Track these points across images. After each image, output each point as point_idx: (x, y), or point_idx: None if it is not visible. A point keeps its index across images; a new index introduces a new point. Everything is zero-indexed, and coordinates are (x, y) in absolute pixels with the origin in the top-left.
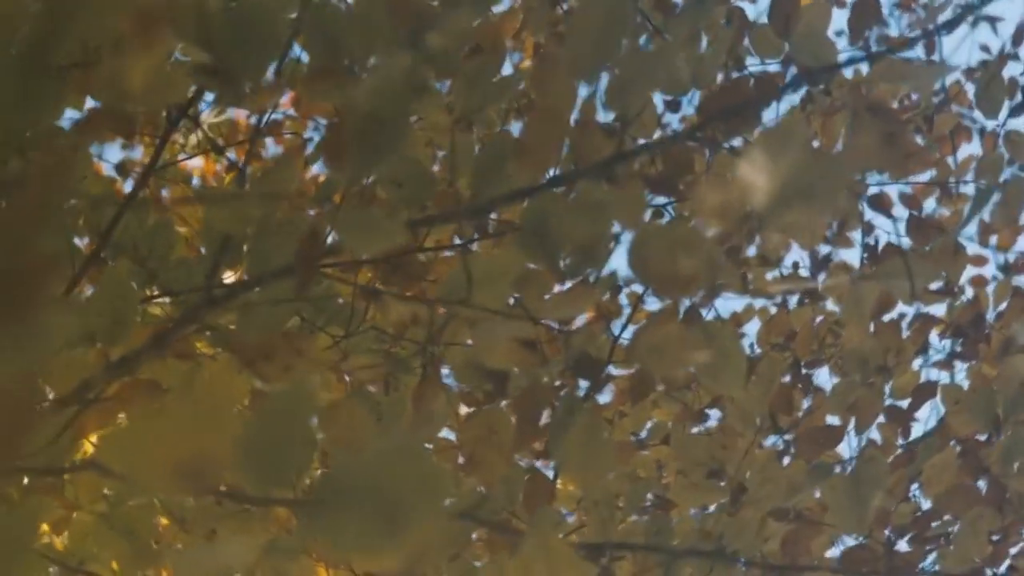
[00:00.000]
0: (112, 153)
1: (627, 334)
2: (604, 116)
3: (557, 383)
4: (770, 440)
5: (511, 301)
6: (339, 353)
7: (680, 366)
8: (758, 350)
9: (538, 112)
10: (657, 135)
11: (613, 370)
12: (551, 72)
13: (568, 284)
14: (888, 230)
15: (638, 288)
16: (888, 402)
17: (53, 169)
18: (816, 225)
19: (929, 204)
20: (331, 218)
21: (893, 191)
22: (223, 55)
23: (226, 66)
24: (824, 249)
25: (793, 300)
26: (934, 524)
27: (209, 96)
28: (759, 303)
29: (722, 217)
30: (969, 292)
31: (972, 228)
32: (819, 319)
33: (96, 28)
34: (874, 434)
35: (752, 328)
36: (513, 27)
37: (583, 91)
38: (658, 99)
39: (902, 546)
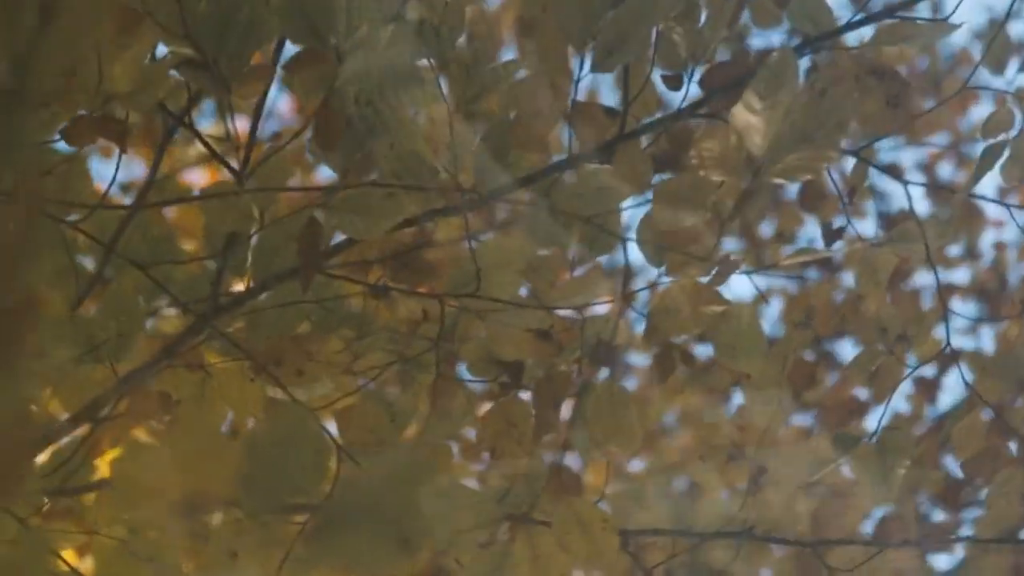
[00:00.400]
0: (110, 170)
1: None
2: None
3: (575, 371)
4: (795, 417)
5: (523, 291)
6: (352, 355)
7: (697, 324)
8: (780, 330)
9: (531, 80)
10: (659, 114)
11: (635, 359)
12: (539, 38)
13: (580, 270)
14: (903, 197)
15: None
16: (913, 372)
17: (32, 206)
18: (818, 167)
19: (947, 170)
20: (330, 209)
21: (908, 159)
22: (205, 46)
23: (210, 57)
24: (838, 221)
25: (813, 278)
26: (966, 490)
27: (208, 107)
28: (779, 283)
29: (724, 166)
30: (991, 256)
31: (991, 191)
32: (840, 295)
33: (81, 37)
34: (903, 406)
35: (774, 309)
36: (511, 19)
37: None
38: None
39: (937, 515)
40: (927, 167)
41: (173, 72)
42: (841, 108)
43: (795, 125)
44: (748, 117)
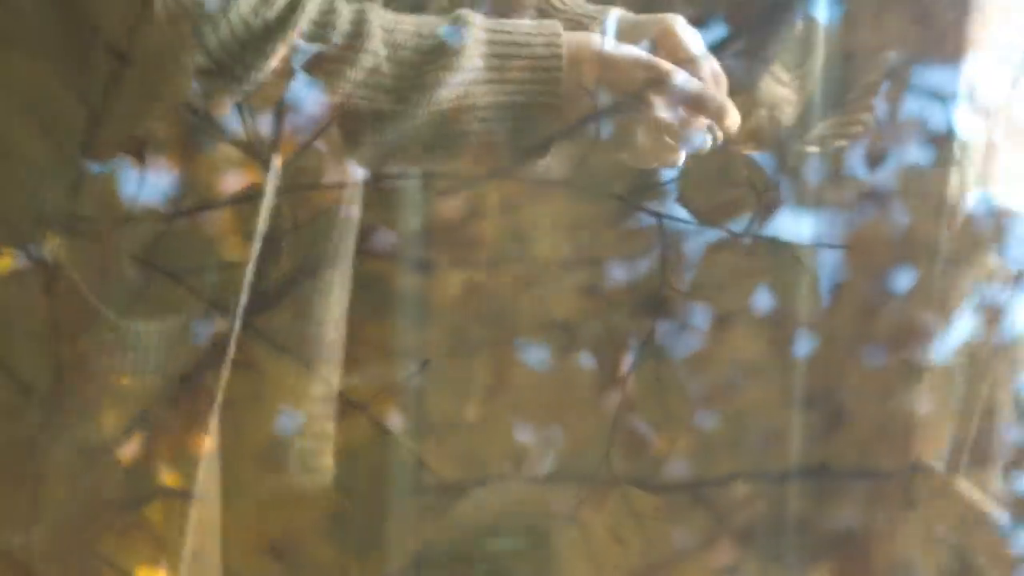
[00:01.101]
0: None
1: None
2: None
3: (630, 329)
4: (865, 352)
5: (569, 249)
6: (402, 336)
7: (744, 297)
8: (842, 272)
9: None
10: None
11: (691, 313)
12: None
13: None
14: (946, 119)
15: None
16: (974, 296)
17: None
18: (852, 132)
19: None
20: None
21: (947, 78)
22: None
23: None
24: (880, 146)
25: (870, 215)
26: None
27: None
28: (836, 226)
29: (756, 139)
30: None
31: None
32: (892, 227)
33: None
34: (971, 332)
35: (832, 254)
36: None
37: None
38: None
39: (1012, 435)
40: (968, 85)
41: None
42: (870, 70)
43: (825, 93)
44: (777, 89)
